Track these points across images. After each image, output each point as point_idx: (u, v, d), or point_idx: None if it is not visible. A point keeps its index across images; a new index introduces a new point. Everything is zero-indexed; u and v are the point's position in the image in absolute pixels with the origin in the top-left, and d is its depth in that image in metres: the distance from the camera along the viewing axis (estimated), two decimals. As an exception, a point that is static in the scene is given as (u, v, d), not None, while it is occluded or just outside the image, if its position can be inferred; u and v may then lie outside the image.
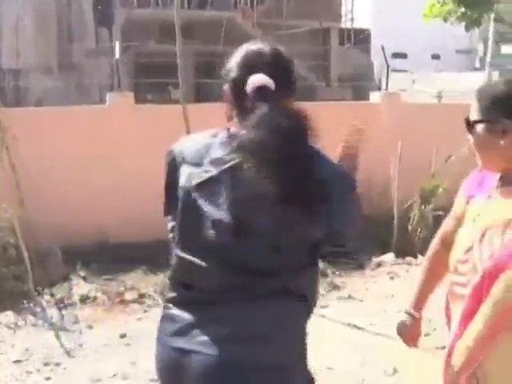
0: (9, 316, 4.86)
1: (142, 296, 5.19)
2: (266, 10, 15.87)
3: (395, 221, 6.84)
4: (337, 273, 5.92)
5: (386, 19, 29.13)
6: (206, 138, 1.64)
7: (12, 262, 5.27)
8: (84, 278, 5.47)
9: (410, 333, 2.10)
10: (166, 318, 1.64)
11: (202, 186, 1.57)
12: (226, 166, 1.54)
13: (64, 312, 4.92)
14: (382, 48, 9.72)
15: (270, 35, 15.57)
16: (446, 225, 2.03)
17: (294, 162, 1.46)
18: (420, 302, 2.09)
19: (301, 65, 15.88)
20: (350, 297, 5.34)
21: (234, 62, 1.65)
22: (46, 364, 3.97)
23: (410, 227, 6.83)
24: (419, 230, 6.75)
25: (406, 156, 6.87)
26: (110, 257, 5.85)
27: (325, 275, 5.77)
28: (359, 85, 18.17)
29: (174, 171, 1.65)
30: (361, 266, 6.24)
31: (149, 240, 6.23)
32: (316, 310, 5.17)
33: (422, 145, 7.19)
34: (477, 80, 20.08)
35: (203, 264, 1.56)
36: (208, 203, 1.55)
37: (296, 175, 1.46)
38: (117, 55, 9.64)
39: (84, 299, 5.11)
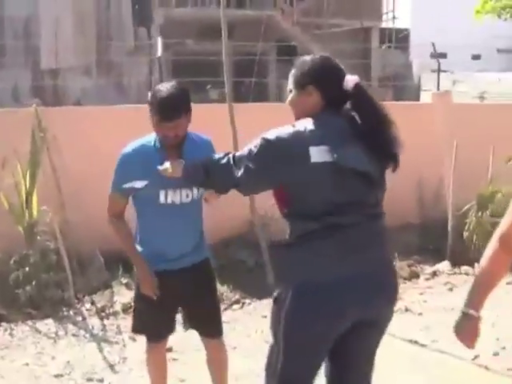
0: (49, 325, 4.65)
1: (185, 306, 4.92)
2: (306, 8, 15.53)
3: (449, 227, 6.45)
4: (390, 283, 5.58)
5: (424, 18, 28.49)
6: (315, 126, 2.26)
7: (52, 268, 5.08)
8: (126, 285, 5.23)
9: (468, 333, 2.06)
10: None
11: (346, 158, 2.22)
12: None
13: (106, 322, 4.69)
14: (433, 44, 9.27)
15: (309, 34, 15.26)
16: (506, 226, 2.02)
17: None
18: (479, 302, 2.07)
19: (342, 65, 15.51)
20: (407, 309, 4.98)
21: (316, 70, 2.32)
22: (88, 379, 3.74)
23: (465, 234, 6.43)
24: (475, 237, 6.35)
25: (459, 158, 6.48)
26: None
27: (378, 285, 5.44)
28: (398, 85, 17.70)
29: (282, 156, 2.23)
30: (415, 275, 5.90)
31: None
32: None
33: (477, 146, 6.79)
34: (522, 80, 19.41)
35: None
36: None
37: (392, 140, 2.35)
38: (159, 53, 9.40)
39: (126, 308, 4.85)
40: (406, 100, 16.42)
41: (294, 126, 2.26)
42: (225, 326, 4.63)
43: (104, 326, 4.62)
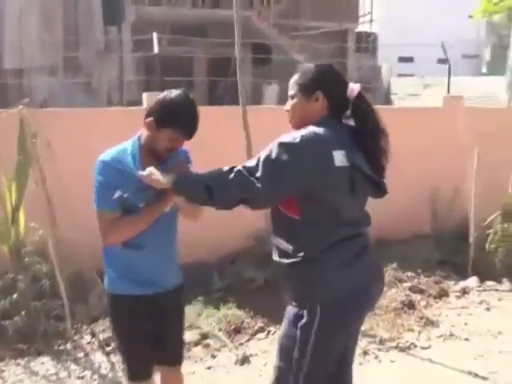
0: (46, 363, 3.94)
1: (204, 337, 4.27)
2: (283, 10, 15.04)
3: (471, 239, 5.98)
4: (422, 303, 5.06)
5: (392, 22, 28.47)
6: (331, 131, 2.18)
7: (45, 295, 4.36)
8: (130, 313, 4.54)
9: None
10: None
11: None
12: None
13: (113, 358, 4.01)
14: (443, 45, 8.86)
15: (287, 35, 14.76)
16: None
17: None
18: None
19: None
20: (451, 335, 4.46)
21: (324, 76, 2.28)
22: None
23: (487, 247, 5.98)
24: (500, 250, 5.91)
25: (478, 166, 6.03)
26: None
27: (412, 307, 4.91)
28: (370, 88, 17.40)
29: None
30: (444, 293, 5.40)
31: (203, 260, 5.37)
32: (418, 352, 4.21)
33: (494, 152, 6.36)
34: (490, 85, 19.41)
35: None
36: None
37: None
38: (155, 50, 8.63)
39: (135, 341, 4.19)
40: (377, 104, 16.11)
41: (310, 130, 2.17)
42: (255, 360, 4.04)
43: (112, 364, 3.93)
